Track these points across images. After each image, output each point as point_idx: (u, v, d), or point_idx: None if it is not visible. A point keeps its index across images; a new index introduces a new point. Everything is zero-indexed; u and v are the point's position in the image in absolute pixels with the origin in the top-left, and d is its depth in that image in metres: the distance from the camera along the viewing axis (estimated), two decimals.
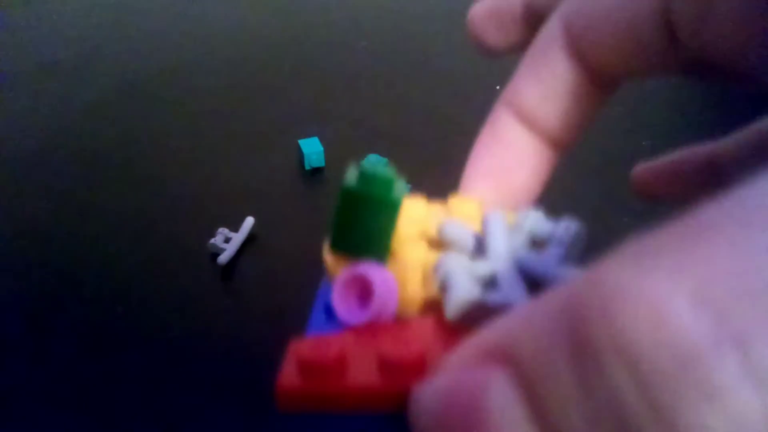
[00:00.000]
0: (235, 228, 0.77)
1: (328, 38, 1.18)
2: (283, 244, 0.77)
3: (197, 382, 0.62)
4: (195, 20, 1.22)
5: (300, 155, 0.88)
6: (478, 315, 0.16)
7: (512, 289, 0.16)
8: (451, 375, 0.14)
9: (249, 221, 0.77)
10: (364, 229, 0.18)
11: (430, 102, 1.03)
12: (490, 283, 0.17)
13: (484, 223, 0.18)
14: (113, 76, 1.07)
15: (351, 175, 0.19)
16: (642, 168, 0.34)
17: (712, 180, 0.31)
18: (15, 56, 1.10)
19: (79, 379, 0.63)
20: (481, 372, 0.13)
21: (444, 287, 0.17)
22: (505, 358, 0.13)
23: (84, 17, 1.22)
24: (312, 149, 0.87)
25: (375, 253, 0.18)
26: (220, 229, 0.76)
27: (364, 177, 0.18)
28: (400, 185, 0.19)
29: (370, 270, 0.18)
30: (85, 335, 0.66)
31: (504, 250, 0.17)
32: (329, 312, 0.20)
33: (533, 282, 0.16)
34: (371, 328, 0.18)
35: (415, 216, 0.19)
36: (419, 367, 0.15)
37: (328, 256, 0.21)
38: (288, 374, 0.18)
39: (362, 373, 0.16)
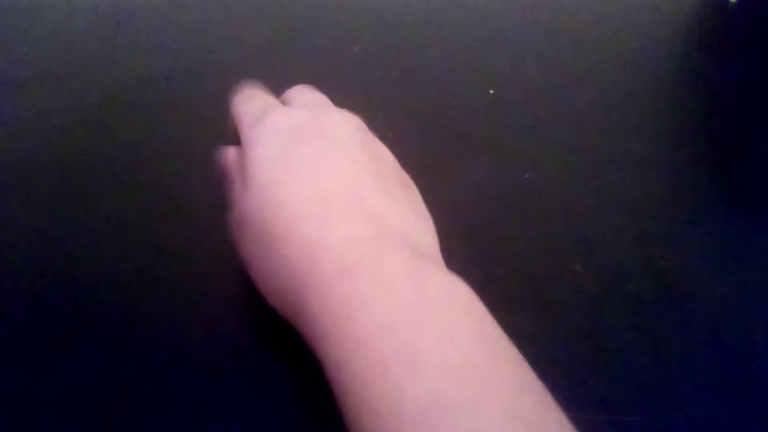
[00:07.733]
0: None
1: (320, 43, 1.18)
2: None
3: (198, 385, 0.63)
4: (188, 26, 1.22)
5: None
6: None
7: None
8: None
9: None
10: None
11: (425, 106, 1.03)
12: None
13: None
14: (109, 82, 1.07)
15: None
16: None
17: None
18: (11, 63, 1.10)
19: (79, 384, 0.63)
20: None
21: None
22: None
23: (76, 22, 1.23)
24: None
25: None
26: None
27: None
28: None
29: None
30: (86, 342, 0.66)
31: None
32: None
33: None
34: None
35: None
36: None
37: None
38: None
39: None
